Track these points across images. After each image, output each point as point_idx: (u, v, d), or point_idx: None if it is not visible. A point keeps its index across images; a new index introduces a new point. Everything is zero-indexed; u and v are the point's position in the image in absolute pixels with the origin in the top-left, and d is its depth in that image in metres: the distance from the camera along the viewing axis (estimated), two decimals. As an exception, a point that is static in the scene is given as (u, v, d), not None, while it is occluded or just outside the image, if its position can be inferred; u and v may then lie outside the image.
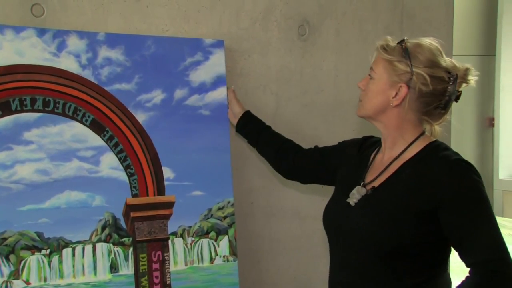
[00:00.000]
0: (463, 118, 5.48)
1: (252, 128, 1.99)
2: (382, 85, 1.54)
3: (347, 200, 1.58)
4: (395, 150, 1.57)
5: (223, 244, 1.99)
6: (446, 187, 1.43)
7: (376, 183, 1.56)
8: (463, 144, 5.58)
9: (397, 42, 1.55)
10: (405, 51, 1.51)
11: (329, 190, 2.20)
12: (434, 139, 1.58)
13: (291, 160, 1.92)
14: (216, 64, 2.00)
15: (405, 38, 1.55)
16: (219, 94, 2.01)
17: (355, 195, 1.57)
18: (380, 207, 1.51)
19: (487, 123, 5.69)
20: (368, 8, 2.40)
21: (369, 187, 1.57)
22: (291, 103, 2.25)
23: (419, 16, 2.53)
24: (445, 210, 1.43)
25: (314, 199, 2.33)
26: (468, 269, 1.45)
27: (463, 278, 1.44)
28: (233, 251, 2.00)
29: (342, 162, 1.76)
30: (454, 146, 1.72)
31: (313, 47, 2.29)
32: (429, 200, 1.44)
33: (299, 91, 2.27)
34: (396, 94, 1.52)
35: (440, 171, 1.45)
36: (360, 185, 1.59)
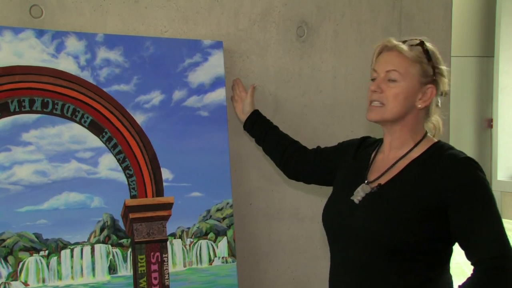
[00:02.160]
0: (462, 119, 5.49)
1: (259, 128, 2.00)
2: (410, 87, 1.53)
3: (352, 198, 1.57)
4: (402, 150, 1.58)
5: (222, 245, 1.99)
6: (454, 185, 1.45)
7: (382, 181, 1.56)
8: (462, 145, 5.58)
9: (416, 43, 1.55)
10: (426, 53, 1.54)
11: (328, 190, 2.19)
12: (437, 140, 1.60)
13: (294, 162, 1.94)
14: (215, 65, 2.00)
15: (420, 38, 1.57)
16: (218, 95, 2.01)
17: (359, 193, 1.56)
18: (387, 204, 1.51)
19: (486, 124, 5.70)
20: (367, 10, 2.40)
21: (374, 184, 1.57)
22: (290, 104, 2.25)
23: (418, 18, 2.53)
24: (453, 208, 1.44)
25: (312, 200, 2.33)
26: (472, 267, 1.45)
27: (468, 275, 1.44)
28: (232, 252, 2.00)
29: (341, 163, 1.77)
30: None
31: (311, 48, 2.29)
32: (437, 197, 1.45)
33: (297, 92, 2.27)
34: (422, 95, 1.54)
35: (449, 169, 1.47)
36: (364, 183, 1.58)
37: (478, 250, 1.44)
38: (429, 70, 1.53)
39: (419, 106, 1.55)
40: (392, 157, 1.59)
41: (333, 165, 1.80)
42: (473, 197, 1.44)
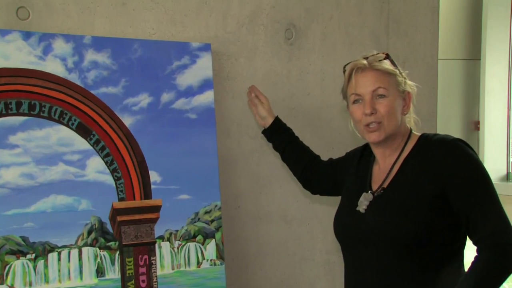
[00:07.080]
0: (448, 121, 5.52)
1: (278, 139, 2.06)
2: (396, 99, 1.61)
3: (357, 209, 1.63)
4: (395, 154, 1.65)
5: (210, 248, 1.99)
6: (449, 167, 1.50)
7: (384, 185, 1.62)
8: (448, 147, 5.60)
9: (382, 58, 1.61)
10: (394, 64, 1.63)
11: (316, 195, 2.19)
12: (422, 133, 1.65)
13: (310, 178, 2.02)
14: (203, 67, 2.00)
15: (382, 52, 1.64)
16: (206, 97, 2.01)
17: (363, 202, 1.62)
18: (392, 204, 1.56)
19: (473, 126, 5.74)
20: (354, 13, 2.41)
21: (377, 191, 1.63)
22: (278, 106, 2.25)
23: (405, 21, 2.55)
24: (451, 189, 1.50)
25: (301, 203, 2.33)
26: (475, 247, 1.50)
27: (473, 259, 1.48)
28: (220, 255, 2.00)
29: (347, 174, 1.81)
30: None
31: (299, 51, 2.30)
32: (436, 183, 1.51)
33: (285, 94, 2.28)
34: (404, 103, 1.63)
35: (440, 153, 1.53)
36: (367, 192, 1.64)
37: (477, 229, 1.48)
38: (400, 78, 1.62)
39: (405, 113, 1.64)
40: (388, 163, 1.65)
41: (342, 177, 1.85)
42: (468, 177, 1.49)
